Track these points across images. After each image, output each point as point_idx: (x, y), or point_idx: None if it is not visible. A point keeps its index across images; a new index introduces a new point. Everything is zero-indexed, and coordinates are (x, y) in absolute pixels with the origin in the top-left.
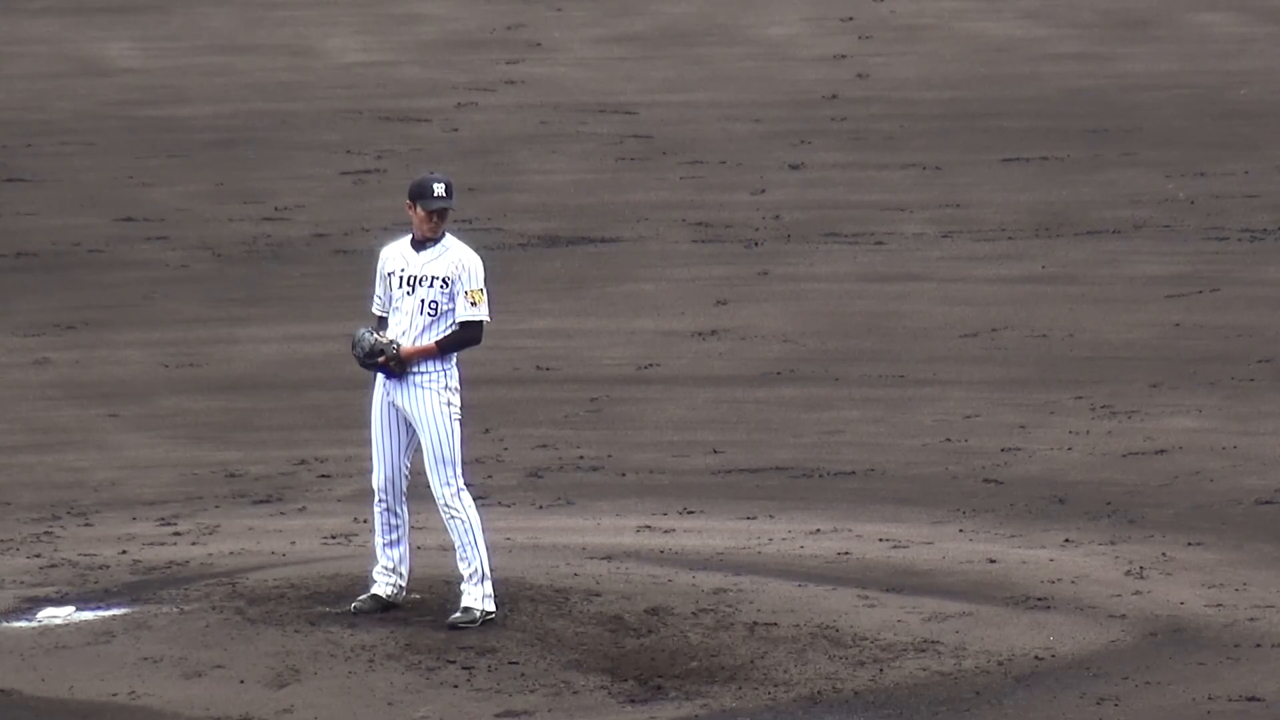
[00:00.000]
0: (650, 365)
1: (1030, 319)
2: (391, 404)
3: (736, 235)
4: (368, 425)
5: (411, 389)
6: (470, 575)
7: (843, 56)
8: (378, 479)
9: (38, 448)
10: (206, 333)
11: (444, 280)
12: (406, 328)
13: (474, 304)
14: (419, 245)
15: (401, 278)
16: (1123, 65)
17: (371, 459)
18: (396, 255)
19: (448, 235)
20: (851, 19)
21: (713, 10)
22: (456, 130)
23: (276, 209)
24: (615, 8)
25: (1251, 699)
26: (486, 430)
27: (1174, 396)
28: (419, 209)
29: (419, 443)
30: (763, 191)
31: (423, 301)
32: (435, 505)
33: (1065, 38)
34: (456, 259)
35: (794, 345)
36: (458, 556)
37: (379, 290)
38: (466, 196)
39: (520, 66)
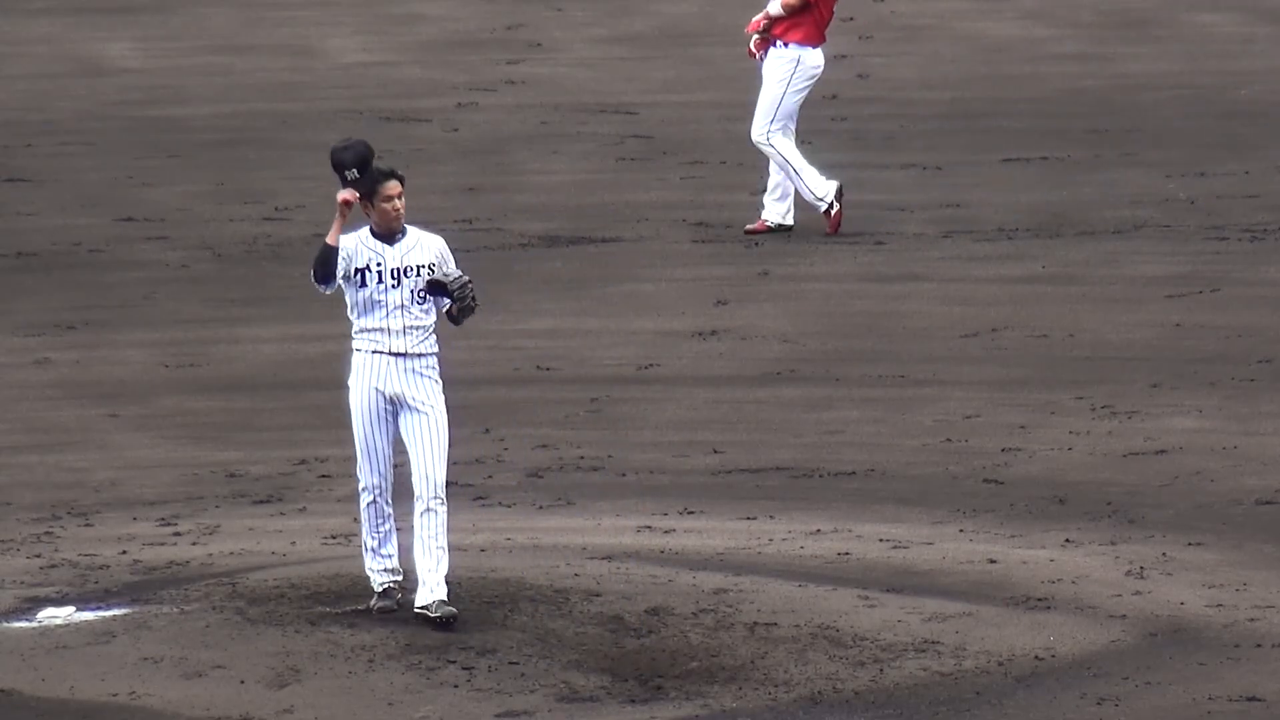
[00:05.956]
0: (650, 365)
1: (1030, 319)
2: (383, 396)
3: (736, 235)
4: (351, 419)
5: (421, 381)
6: (443, 569)
7: (843, 56)
8: (370, 475)
9: (38, 448)
10: (206, 333)
11: (429, 266)
12: (399, 323)
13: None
14: (388, 238)
15: (380, 272)
16: (1123, 65)
17: (360, 459)
18: (370, 245)
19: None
20: (851, 19)
21: (713, 10)
22: (456, 130)
23: (276, 209)
24: (615, 8)
25: (1251, 699)
26: (486, 430)
27: (1174, 396)
28: (377, 201)
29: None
30: (763, 191)
31: (411, 293)
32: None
33: (1065, 38)
34: (434, 248)
35: (794, 345)
36: (437, 549)
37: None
38: (466, 196)
39: (520, 66)
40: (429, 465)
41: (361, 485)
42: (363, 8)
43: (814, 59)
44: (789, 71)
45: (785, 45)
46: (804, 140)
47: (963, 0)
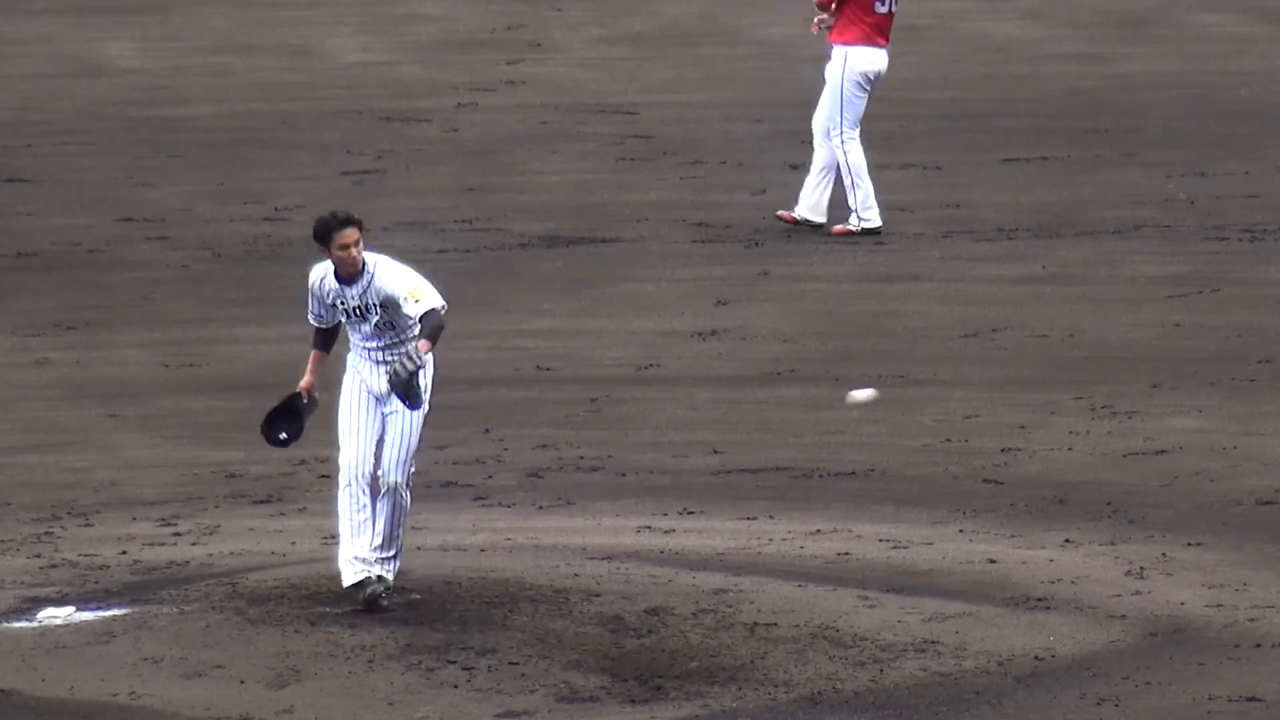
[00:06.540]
0: (650, 365)
1: (1030, 319)
2: (368, 390)
3: (736, 235)
4: (338, 410)
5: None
6: (395, 555)
7: None
8: (350, 455)
9: (38, 448)
10: (206, 333)
11: (382, 305)
12: (376, 344)
13: (418, 301)
14: (347, 281)
15: (346, 309)
16: (1123, 65)
17: (341, 444)
18: (332, 284)
19: (364, 258)
20: None
21: (713, 10)
22: (456, 130)
23: (276, 209)
24: (615, 8)
25: (1251, 699)
26: (486, 430)
27: (1174, 396)
28: (333, 249)
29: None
30: (763, 191)
31: (378, 325)
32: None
33: (1065, 38)
34: (385, 286)
35: (794, 345)
36: (387, 536)
37: (317, 308)
38: (466, 196)
39: (520, 66)
40: (393, 456)
41: (341, 471)
42: (363, 8)
43: (860, 59)
44: (839, 71)
45: (834, 45)
46: (803, 140)
47: (963, 0)
